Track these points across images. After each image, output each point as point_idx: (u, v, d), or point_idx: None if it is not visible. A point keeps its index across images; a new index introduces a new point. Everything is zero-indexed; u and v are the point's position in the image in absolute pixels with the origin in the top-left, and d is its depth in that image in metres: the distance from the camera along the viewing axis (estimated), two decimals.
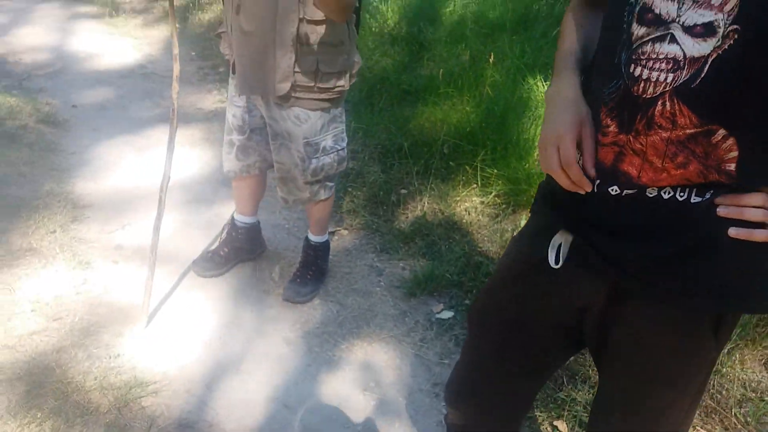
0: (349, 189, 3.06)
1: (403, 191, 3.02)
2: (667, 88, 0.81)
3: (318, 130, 2.02)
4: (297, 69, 1.87)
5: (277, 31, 1.82)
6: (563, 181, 0.93)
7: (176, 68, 2.01)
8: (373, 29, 4.38)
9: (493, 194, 2.90)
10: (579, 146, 0.91)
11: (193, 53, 4.93)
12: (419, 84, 3.74)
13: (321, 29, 1.83)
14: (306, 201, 2.21)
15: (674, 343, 0.97)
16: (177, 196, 2.90)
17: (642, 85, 0.83)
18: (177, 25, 2.07)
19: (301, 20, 1.80)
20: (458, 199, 2.94)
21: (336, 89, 1.95)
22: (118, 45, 5.13)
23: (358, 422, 1.89)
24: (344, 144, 2.14)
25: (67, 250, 2.48)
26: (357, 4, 1.93)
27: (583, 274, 1.00)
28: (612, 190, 0.89)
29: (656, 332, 0.97)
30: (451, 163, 3.11)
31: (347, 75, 1.97)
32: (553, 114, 0.95)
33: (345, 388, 2.01)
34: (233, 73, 2.03)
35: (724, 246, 0.86)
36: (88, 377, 1.93)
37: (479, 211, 2.87)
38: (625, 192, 0.89)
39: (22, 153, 3.13)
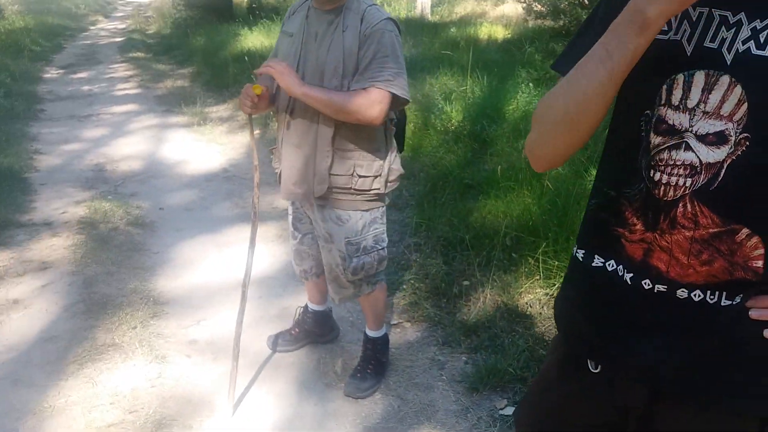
0: (411, 281, 3.12)
1: (465, 283, 3.05)
2: (687, 192, 0.86)
3: (358, 230, 2.15)
4: (333, 172, 2.04)
5: (318, 140, 2.02)
6: None
7: (256, 177, 2.21)
8: (438, 128, 4.57)
9: (556, 286, 2.87)
10: None
11: (272, 156, 5.29)
12: (481, 178, 3.84)
13: (357, 136, 2.02)
14: (351, 297, 2.33)
15: None
16: (252, 291, 3.04)
17: (663, 188, 0.88)
18: (257, 135, 2.30)
19: (338, 127, 1.99)
20: (521, 290, 2.93)
21: (372, 192, 2.10)
22: (204, 151, 5.60)
23: None
24: (384, 244, 2.25)
25: (146, 345, 2.64)
26: (394, 117, 2.14)
27: (623, 377, 1.01)
28: (645, 283, 0.92)
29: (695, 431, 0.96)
30: (513, 254, 3.12)
31: (383, 179, 2.11)
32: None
33: None
34: (279, 183, 2.22)
35: (761, 348, 0.87)
36: None
37: (543, 303, 2.84)
38: (657, 287, 0.91)
39: (112, 253, 3.43)
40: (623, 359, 0.97)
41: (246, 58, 7.50)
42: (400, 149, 2.27)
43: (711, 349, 0.89)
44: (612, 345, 0.99)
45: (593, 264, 0.99)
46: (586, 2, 7.45)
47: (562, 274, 2.87)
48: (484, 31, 8.82)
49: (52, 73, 9.49)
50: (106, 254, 3.42)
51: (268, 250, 3.57)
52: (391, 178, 2.16)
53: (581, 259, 1.03)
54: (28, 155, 5.17)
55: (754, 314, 0.86)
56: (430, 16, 10.66)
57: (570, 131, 0.93)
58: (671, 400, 0.97)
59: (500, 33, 8.74)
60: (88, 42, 13.86)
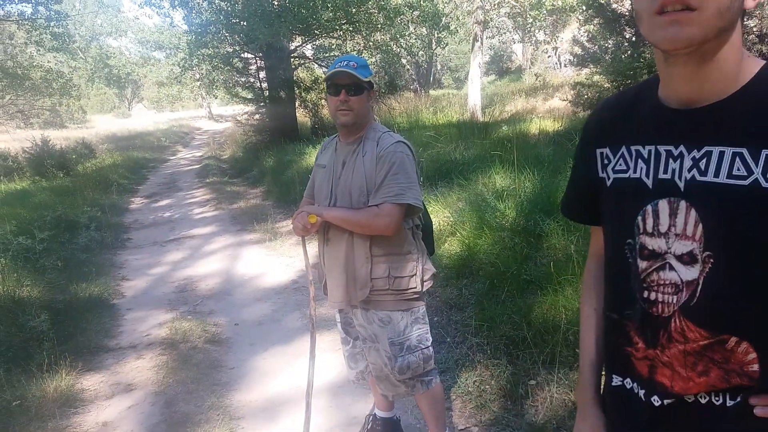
0: (477, 383, 3.13)
1: (531, 382, 3.03)
2: (675, 308, 0.95)
3: (402, 330, 2.30)
4: (373, 276, 2.24)
5: (354, 251, 2.24)
6: None
7: (312, 291, 2.44)
8: (493, 226, 4.68)
9: None
10: None
11: (314, 270, 5.51)
12: (539, 273, 3.88)
13: (389, 242, 2.24)
14: (405, 394, 2.44)
15: None
16: (321, 400, 3.15)
17: (659, 306, 0.97)
18: (308, 255, 2.51)
19: (372, 237, 2.22)
20: None
21: (409, 291, 2.29)
22: (274, 264, 5.91)
23: None
24: (428, 343, 2.38)
25: None
26: (420, 223, 2.37)
27: None
28: (654, 400, 0.99)
29: None
30: (577, 350, 3.09)
31: (419, 278, 2.29)
32: (576, 425, 1.20)
33: None
34: (326, 293, 2.42)
35: None
36: None
37: None
38: (665, 401, 0.98)
39: (191, 372, 3.64)
40: None
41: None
42: (431, 251, 2.46)
43: None
44: None
45: (613, 383, 1.08)
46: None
47: None
48: (534, 127, 9.07)
49: (137, 203, 10.37)
50: (186, 373, 3.64)
51: (336, 358, 3.68)
52: (426, 277, 2.34)
53: (604, 378, 1.13)
54: (115, 282, 5.62)
55: (759, 412, 0.90)
56: (481, 117, 11.07)
57: None
58: None
59: (550, 126, 8.96)
60: (169, 171, 15.11)
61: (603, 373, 1.15)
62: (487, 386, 3.11)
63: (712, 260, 0.90)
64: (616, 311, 1.05)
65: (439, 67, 37.37)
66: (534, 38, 19.26)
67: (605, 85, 8.24)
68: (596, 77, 8.80)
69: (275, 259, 6.11)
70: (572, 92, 9.53)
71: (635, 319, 1.00)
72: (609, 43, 8.67)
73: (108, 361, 3.93)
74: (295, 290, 5.11)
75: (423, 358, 2.36)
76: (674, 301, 0.94)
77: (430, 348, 2.40)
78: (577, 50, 9.80)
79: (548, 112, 11.48)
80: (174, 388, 3.46)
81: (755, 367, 0.89)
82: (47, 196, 9.53)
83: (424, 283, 2.34)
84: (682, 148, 0.94)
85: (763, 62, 0.93)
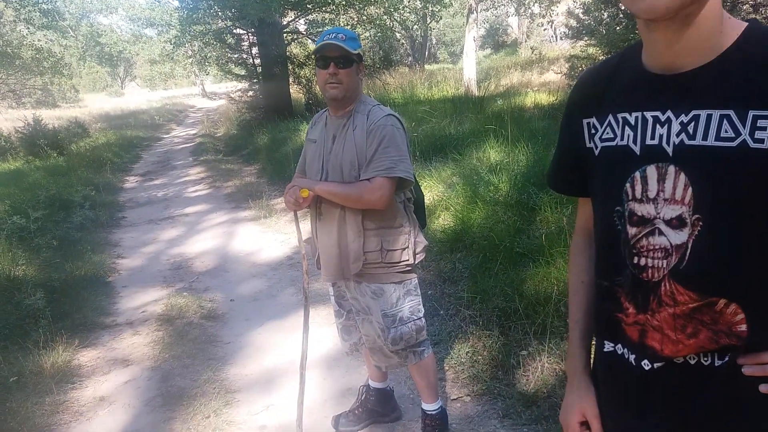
0: (469, 354, 3.17)
1: (523, 353, 3.07)
2: (665, 273, 0.96)
3: (394, 302, 2.33)
4: (365, 249, 2.26)
5: (347, 225, 2.25)
6: None
7: (305, 265, 2.45)
8: (486, 200, 4.69)
9: None
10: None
11: (307, 245, 5.53)
12: (532, 246, 3.90)
13: (381, 216, 2.25)
14: (398, 365, 2.48)
15: None
16: (316, 372, 3.19)
17: (649, 271, 0.98)
18: (301, 229, 2.52)
19: (364, 211, 2.23)
20: None
21: (401, 263, 2.30)
22: (269, 241, 5.92)
23: None
24: (420, 314, 2.41)
25: None
26: (411, 196, 2.37)
27: None
28: (644, 364, 1.01)
29: None
30: (568, 320, 3.12)
31: (411, 251, 2.31)
32: (566, 395, 1.22)
33: None
34: (318, 268, 2.43)
35: (757, 402, 0.93)
36: None
37: None
38: (655, 365, 0.99)
39: (187, 347, 3.67)
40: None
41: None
42: (422, 225, 2.47)
43: (712, 410, 0.95)
44: (624, 426, 1.08)
45: (605, 349, 1.09)
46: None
47: None
48: (529, 100, 9.03)
49: (131, 182, 10.34)
50: (181, 348, 3.67)
51: (330, 332, 3.71)
52: (418, 249, 2.35)
53: (596, 345, 1.14)
54: (111, 260, 5.63)
55: (747, 371, 0.92)
56: (476, 91, 11.01)
57: None
58: None
59: (545, 100, 8.93)
60: (163, 149, 15.03)
61: (593, 342, 1.17)
62: (479, 357, 3.15)
63: (701, 223, 0.91)
64: (607, 279, 1.06)
65: (434, 41, 37.04)
66: (529, 11, 19.07)
67: (600, 57, 8.20)
68: (591, 49, 8.75)
69: (270, 236, 6.13)
70: (567, 65, 9.48)
71: (625, 286, 1.02)
72: (604, 15, 8.61)
73: (104, 337, 3.95)
74: (290, 266, 5.13)
75: (415, 329, 2.39)
76: (664, 266, 0.95)
77: (423, 319, 2.43)
78: (573, 22, 9.72)
79: (543, 86, 11.42)
80: (170, 363, 3.49)
81: (743, 327, 0.91)
82: (41, 175, 9.49)
83: (417, 256, 2.35)
84: (669, 113, 0.94)
85: (745, 24, 0.92)
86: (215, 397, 3.10)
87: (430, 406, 2.53)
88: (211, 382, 3.24)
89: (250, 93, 14.86)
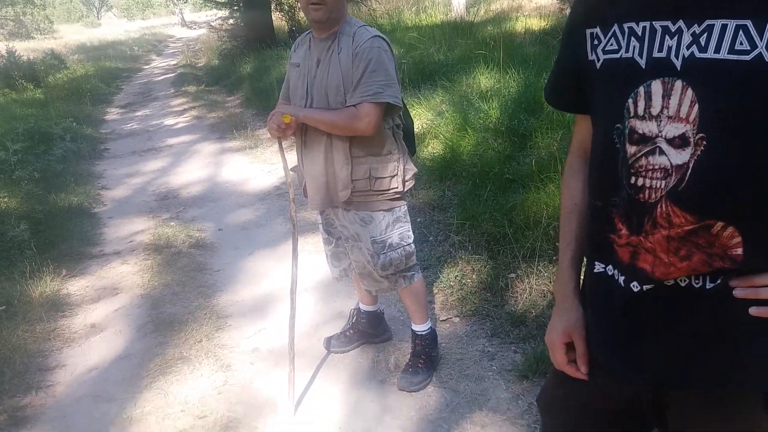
0: (458, 278, 3.19)
1: (511, 276, 3.09)
2: (662, 194, 0.92)
3: (383, 229, 2.30)
4: (354, 177, 2.21)
5: (334, 153, 2.19)
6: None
7: (291, 192, 2.41)
8: (477, 127, 4.62)
9: None
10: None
11: (293, 173, 5.48)
12: (522, 172, 3.87)
13: (369, 143, 2.19)
14: (388, 289, 2.50)
15: (723, 421, 1.00)
16: (307, 298, 3.21)
17: (646, 192, 0.94)
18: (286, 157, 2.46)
19: (351, 138, 2.16)
20: None
21: (391, 191, 2.26)
22: (256, 171, 5.84)
23: None
24: (410, 240, 2.39)
25: (211, 356, 2.83)
26: (401, 123, 2.30)
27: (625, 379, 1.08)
28: (634, 286, 0.98)
29: (705, 413, 1.01)
30: (557, 243, 3.13)
31: (400, 178, 2.27)
32: (553, 317, 1.19)
33: None
34: (305, 196, 2.38)
35: (745, 325, 0.91)
36: None
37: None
38: (644, 287, 0.97)
39: (176, 275, 3.66)
40: (616, 366, 1.05)
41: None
42: (412, 152, 2.41)
43: (701, 333, 0.94)
44: (607, 349, 1.07)
45: (595, 270, 1.07)
46: None
47: None
48: (519, 26, 8.79)
49: (112, 113, 10.09)
50: (171, 276, 3.66)
51: (320, 260, 3.70)
52: (407, 177, 2.31)
53: (586, 267, 1.12)
54: (95, 192, 5.55)
55: (738, 293, 0.90)
56: (465, 16, 10.69)
57: None
58: (675, 390, 1.03)
59: (536, 25, 8.69)
60: (144, 80, 14.63)
61: (583, 265, 1.15)
62: (468, 280, 3.17)
63: (704, 142, 0.87)
64: (601, 199, 1.03)
65: None
66: None
67: None
68: None
69: (257, 166, 6.04)
70: None
71: (620, 207, 0.98)
72: None
73: (92, 267, 3.93)
74: (279, 196, 5.08)
75: (405, 255, 2.38)
76: (662, 186, 0.91)
77: (412, 245, 2.41)
78: None
79: (535, 10, 11.10)
80: (160, 291, 3.49)
81: (739, 250, 0.88)
82: (18, 108, 9.21)
83: (406, 183, 2.31)
84: (681, 23, 0.88)
85: None
86: (207, 322, 3.12)
87: (420, 327, 2.56)
88: (202, 309, 3.26)
89: (231, 21, 14.33)
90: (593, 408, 1.19)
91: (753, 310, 0.90)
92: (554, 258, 3.09)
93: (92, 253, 4.16)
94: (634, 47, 0.94)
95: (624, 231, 0.98)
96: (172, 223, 4.56)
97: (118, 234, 4.50)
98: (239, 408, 2.48)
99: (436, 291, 3.18)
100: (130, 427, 2.42)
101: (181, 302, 3.35)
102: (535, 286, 2.95)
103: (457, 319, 2.93)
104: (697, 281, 0.92)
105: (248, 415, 2.43)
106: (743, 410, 0.98)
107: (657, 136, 0.91)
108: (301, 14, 13.29)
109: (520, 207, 3.52)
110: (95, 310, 3.37)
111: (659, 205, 0.92)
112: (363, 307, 2.78)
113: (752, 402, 0.96)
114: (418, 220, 3.95)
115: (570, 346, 1.14)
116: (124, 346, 3.00)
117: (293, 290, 2.43)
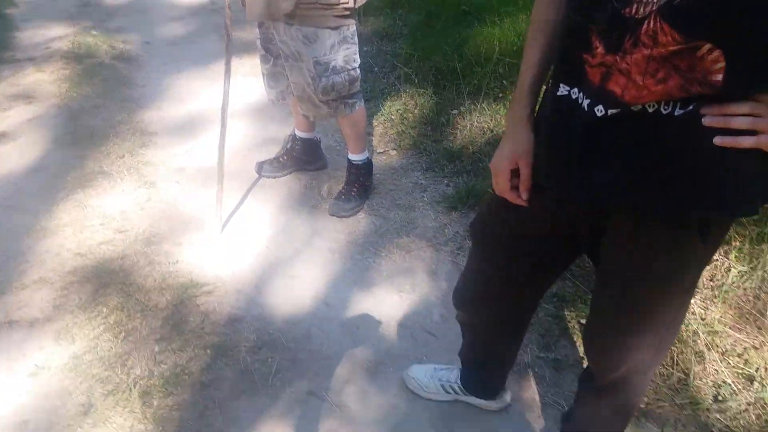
0: (400, 111, 3.07)
1: (454, 112, 3.00)
2: (653, 8, 0.80)
3: (327, 49, 2.09)
4: None
5: None
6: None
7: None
8: None
9: None
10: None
11: None
12: (480, 4, 3.63)
13: None
14: (327, 116, 2.33)
15: (660, 245, 0.99)
16: (239, 120, 3.05)
17: (634, 6, 0.82)
18: None
19: None
20: None
21: (340, 6, 2.02)
22: None
23: (391, 318, 1.98)
24: (356, 65, 2.20)
25: (134, 172, 2.69)
26: None
27: (570, 202, 1.04)
28: (597, 110, 0.89)
29: (643, 237, 1.00)
30: (504, 81, 3.03)
31: None
32: (502, 142, 1.11)
33: (381, 291, 2.09)
34: (243, 5, 2.12)
35: (705, 154, 0.85)
36: (149, 279, 2.12)
37: None
38: (609, 111, 0.89)
39: (98, 87, 3.38)
40: (568, 188, 0.99)
41: None
42: None
43: (657, 162, 0.88)
44: (560, 172, 0.99)
45: (558, 93, 0.97)
46: None
47: None
48: None
49: None
50: (91, 88, 3.38)
51: (258, 82, 3.48)
52: None
53: (549, 89, 1.01)
54: None
55: (707, 121, 0.83)
56: None
57: None
58: (617, 214, 1.01)
59: None
60: None
61: (543, 90, 1.05)
62: (410, 115, 3.06)
63: None
64: (581, 13, 0.91)
65: None
66: None
67: None
68: None
69: None
70: None
71: (601, 22, 0.87)
72: None
73: (3, 72, 3.57)
74: (214, 11, 4.67)
75: (348, 80, 2.20)
76: (655, 0, 0.79)
77: (357, 70, 2.22)
78: None
79: None
80: (79, 102, 3.23)
81: (719, 77, 0.80)
82: None
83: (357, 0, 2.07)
84: None
85: None
86: (130, 138, 2.93)
87: (357, 156, 2.47)
88: (125, 124, 3.05)
89: None
90: (525, 236, 1.17)
91: (717, 140, 0.84)
92: (499, 95, 3.00)
93: (3, 57, 3.76)
94: None
95: (600, 50, 0.88)
96: (93, 32, 4.15)
97: (33, 39, 4.07)
98: (163, 224, 2.40)
99: (375, 123, 3.06)
100: (46, 238, 2.31)
101: (102, 115, 3.11)
102: (476, 123, 2.88)
103: (394, 152, 2.86)
104: (666, 107, 0.85)
105: (173, 230, 2.36)
106: (679, 238, 0.97)
107: None
108: None
109: (472, 41, 3.34)
110: (6, 118, 3.10)
111: (647, 21, 0.81)
112: (299, 133, 2.64)
113: (689, 231, 0.95)
114: (365, 49, 3.71)
115: (515, 173, 1.08)
116: (39, 157, 2.80)
117: (225, 107, 2.27)
